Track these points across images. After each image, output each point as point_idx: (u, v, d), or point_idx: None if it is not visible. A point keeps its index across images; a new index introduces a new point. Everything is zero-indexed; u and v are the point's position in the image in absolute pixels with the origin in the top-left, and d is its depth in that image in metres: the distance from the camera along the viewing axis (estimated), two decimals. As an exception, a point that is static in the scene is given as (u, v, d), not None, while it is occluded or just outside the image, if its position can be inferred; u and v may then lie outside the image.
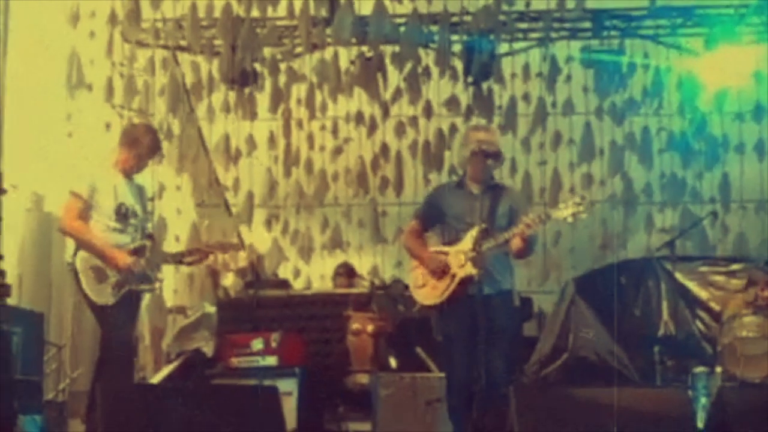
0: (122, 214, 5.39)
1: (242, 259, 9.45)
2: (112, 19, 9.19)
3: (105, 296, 5.26)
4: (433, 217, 5.33)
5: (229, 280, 9.16)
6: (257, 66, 9.37)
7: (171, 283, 9.59)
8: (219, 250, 5.75)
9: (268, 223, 9.74)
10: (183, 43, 9.53)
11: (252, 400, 4.12)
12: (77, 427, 6.91)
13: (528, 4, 8.89)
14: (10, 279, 7.26)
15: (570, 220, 4.96)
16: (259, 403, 4.14)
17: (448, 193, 5.34)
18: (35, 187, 9.01)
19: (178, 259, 5.70)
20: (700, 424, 4.43)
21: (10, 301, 7.16)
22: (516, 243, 5.01)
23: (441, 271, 5.10)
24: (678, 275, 6.55)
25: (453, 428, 5.03)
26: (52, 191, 8.72)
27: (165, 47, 9.57)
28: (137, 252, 5.36)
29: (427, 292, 5.20)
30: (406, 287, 7.54)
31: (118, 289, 5.26)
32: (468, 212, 5.06)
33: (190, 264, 5.78)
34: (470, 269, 4.95)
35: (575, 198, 5.01)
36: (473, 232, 5.03)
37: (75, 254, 5.38)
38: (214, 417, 4.00)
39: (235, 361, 6.46)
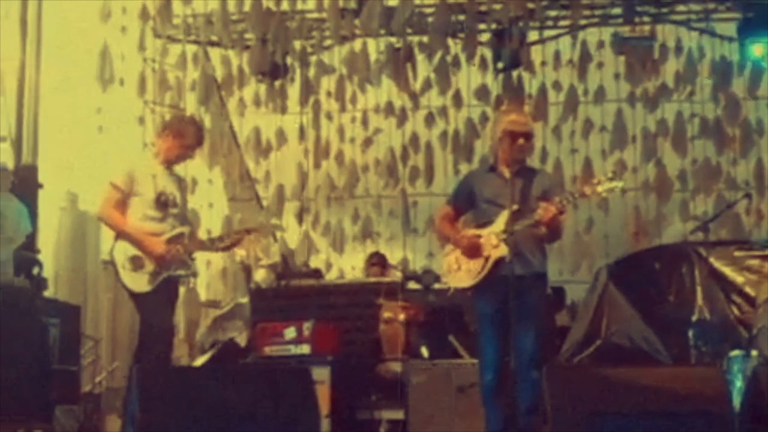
0: (162, 203, 5.42)
1: (274, 253, 9.50)
2: (144, 14, 9.28)
3: (142, 284, 5.30)
4: (466, 202, 5.31)
5: (260, 274, 9.19)
6: (287, 59, 9.41)
7: (204, 277, 9.68)
8: (253, 233, 5.72)
9: (299, 216, 9.77)
10: (214, 37, 9.60)
11: (286, 383, 4.13)
12: (114, 422, 6.97)
13: (557, -9, 8.85)
14: (46, 275, 7.40)
15: (604, 195, 4.92)
16: (294, 385, 4.15)
17: (480, 178, 5.32)
18: (70, 185, 9.13)
19: (212, 244, 5.71)
20: (736, 408, 4.37)
21: (47, 294, 7.29)
22: (541, 229, 4.98)
23: (474, 251, 5.07)
24: (712, 260, 6.43)
25: (485, 409, 5.02)
26: (87, 190, 8.83)
27: (196, 42, 9.64)
28: (173, 240, 5.38)
29: (462, 276, 5.18)
30: (437, 278, 7.53)
31: (155, 277, 5.30)
32: (500, 195, 5.02)
33: (224, 249, 5.79)
34: (503, 250, 4.92)
35: (606, 174, 4.97)
36: (505, 214, 4.99)
37: (114, 245, 5.42)
38: (249, 399, 4.01)
39: (268, 350, 6.48)
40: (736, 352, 5.50)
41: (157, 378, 4.07)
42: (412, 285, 7.54)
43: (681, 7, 8.94)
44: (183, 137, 5.53)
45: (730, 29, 8.85)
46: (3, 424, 4.80)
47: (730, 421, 3.80)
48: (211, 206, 9.65)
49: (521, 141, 5.04)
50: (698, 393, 3.85)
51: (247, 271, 9.61)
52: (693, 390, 3.88)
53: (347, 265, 9.62)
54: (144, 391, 3.95)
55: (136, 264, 5.30)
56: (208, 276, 9.94)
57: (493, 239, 5.04)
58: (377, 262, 8.11)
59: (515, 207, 4.98)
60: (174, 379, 4.19)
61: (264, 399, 4.10)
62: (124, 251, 5.33)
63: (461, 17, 9.08)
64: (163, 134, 5.59)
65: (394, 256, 9.33)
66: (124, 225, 5.34)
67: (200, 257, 7.71)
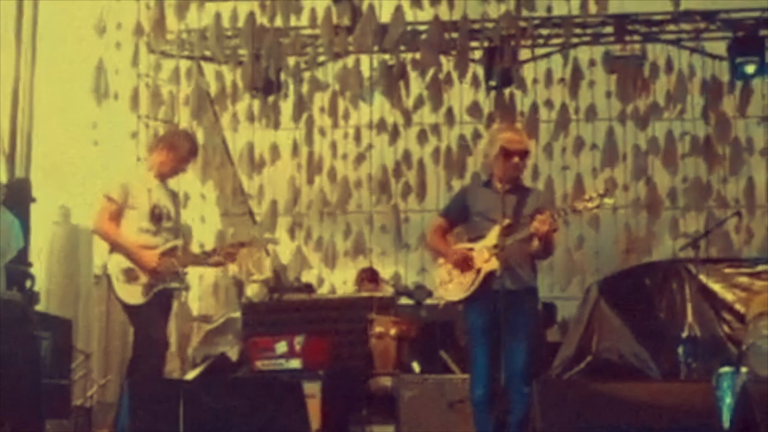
0: (156, 216, 5.41)
1: (266, 269, 9.51)
2: (138, 30, 9.32)
3: (136, 296, 5.29)
4: (459, 215, 5.35)
5: (252, 289, 9.19)
6: (281, 75, 9.45)
7: (196, 291, 9.67)
8: (246, 247, 5.72)
9: (292, 231, 9.80)
10: (207, 53, 9.64)
11: (278, 396, 4.14)
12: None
13: (549, 10, 8.91)
14: (38, 289, 7.39)
15: (596, 211, 4.95)
16: (285, 398, 4.16)
17: (474, 192, 5.35)
18: (63, 199, 9.12)
19: (206, 258, 5.70)
20: (726, 424, 4.40)
21: (38, 308, 7.27)
22: (534, 244, 5.01)
23: (465, 264, 5.10)
24: (702, 277, 6.50)
25: (476, 423, 5.03)
26: (80, 204, 8.83)
27: (190, 57, 9.68)
28: (167, 253, 5.38)
29: (453, 288, 5.20)
30: (429, 293, 7.55)
31: (149, 289, 5.29)
32: (493, 209, 5.04)
33: (217, 264, 5.78)
34: (494, 264, 4.94)
35: (598, 190, 5.01)
36: (497, 228, 5.02)
37: (109, 257, 5.42)
38: (241, 412, 4.02)
39: (259, 364, 6.47)
40: (726, 369, 5.53)
41: (148, 390, 4.08)
42: (404, 300, 7.57)
43: (671, 27, 9.03)
44: (176, 151, 5.54)
45: (720, 48, 8.95)
46: (-7, 437, 4.79)
47: (719, 434, 3.82)
48: (203, 220, 9.67)
49: (516, 159, 5.08)
50: (688, 408, 3.87)
51: (239, 286, 9.63)
52: (683, 405, 3.90)
53: (339, 281, 9.64)
54: (135, 403, 3.95)
55: (129, 276, 5.29)
56: (200, 290, 9.94)
57: (484, 253, 5.07)
58: (369, 277, 8.12)
59: (507, 221, 5.02)
60: (165, 391, 4.19)
61: (256, 412, 4.11)
62: (118, 263, 5.33)
63: (454, 35, 9.15)
64: (157, 148, 5.60)
65: (385, 271, 9.35)
66: (118, 237, 5.35)
67: (193, 271, 7.71)
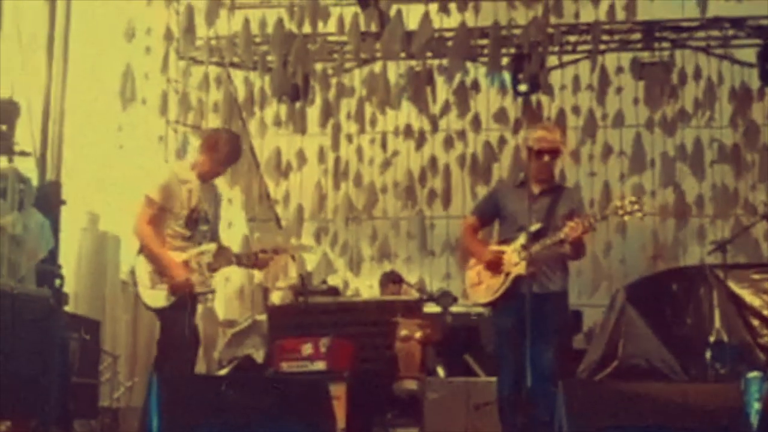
0: (193, 221, 5.38)
1: (292, 275, 9.54)
2: (168, 35, 9.41)
3: (159, 300, 5.30)
4: (491, 214, 5.36)
5: (278, 296, 9.24)
6: (308, 81, 9.51)
7: (222, 295, 9.72)
8: (279, 254, 5.71)
9: (317, 236, 9.84)
10: (236, 59, 9.72)
11: (305, 394, 4.16)
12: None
13: (577, 16, 8.91)
14: (67, 291, 7.46)
15: (626, 218, 4.96)
16: (312, 397, 4.18)
17: (508, 192, 5.36)
18: (91, 205, 9.20)
19: (240, 261, 5.68)
20: (754, 425, 4.36)
21: (67, 309, 7.34)
22: (566, 247, 5.02)
23: (496, 267, 5.12)
24: (730, 283, 6.44)
25: (502, 424, 5.03)
26: (107, 210, 8.91)
27: (219, 64, 9.76)
28: (196, 258, 5.35)
29: (482, 291, 5.22)
30: (455, 299, 7.54)
31: (173, 293, 5.29)
32: (526, 211, 5.04)
33: (253, 266, 5.77)
34: (523, 268, 4.95)
35: (630, 198, 5.00)
36: (529, 232, 5.02)
37: (137, 257, 5.43)
38: (268, 409, 4.04)
39: (285, 366, 6.49)
40: (754, 374, 5.48)
41: (177, 385, 4.10)
42: (429, 308, 7.56)
43: (700, 33, 8.99)
44: (216, 153, 5.44)
45: (749, 55, 8.89)
46: (22, 432, 4.84)
47: (747, 435, 3.79)
48: (230, 225, 9.69)
49: (546, 158, 5.08)
50: (716, 409, 3.84)
51: (264, 292, 9.67)
52: (711, 406, 3.88)
53: (364, 286, 9.66)
54: (164, 398, 3.98)
55: (155, 279, 5.30)
56: (225, 295, 9.99)
57: (514, 257, 5.08)
58: (392, 280, 8.14)
59: (538, 225, 5.02)
60: (194, 387, 4.21)
61: (284, 409, 4.12)
62: (144, 266, 5.34)
63: (481, 41, 9.16)
64: (200, 148, 5.58)
65: (410, 277, 9.37)
66: (153, 244, 5.30)
67: (218, 275, 7.76)
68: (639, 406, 3.94)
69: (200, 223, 5.41)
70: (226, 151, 5.48)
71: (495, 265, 5.13)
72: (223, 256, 5.52)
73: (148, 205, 5.34)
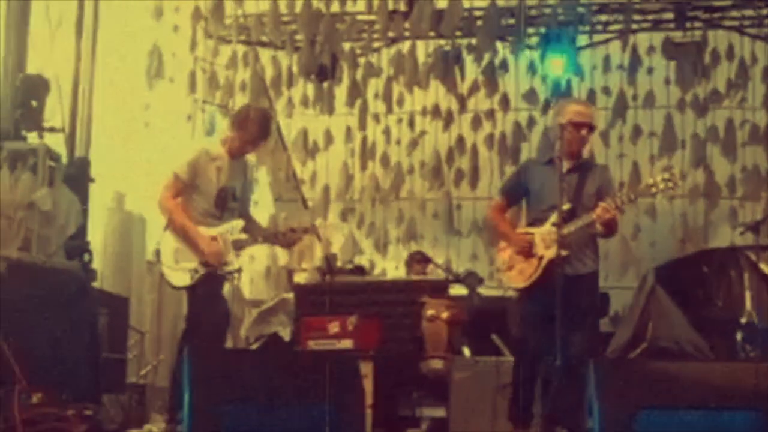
0: (222, 199, 5.39)
1: (317, 257, 9.54)
2: (196, 14, 9.40)
3: (183, 279, 5.31)
4: (518, 194, 5.31)
5: (302, 278, 9.24)
6: (336, 60, 9.47)
7: (247, 273, 9.74)
8: (308, 233, 5.71)
9: (344, 217, 9.82)
10: (264, 38, 9.69)
11: (335, 369, 4.16)
12: (157, 420, 7.01)
13: (609, -5, 8.81)
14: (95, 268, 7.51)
15: (659, 196, 4.90)
16: (342, 372, 4.18)
17: (535, 169, 5.29)
18: (118, 184, 9.25)
19: (268, 237, 5.68)
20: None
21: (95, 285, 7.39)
22: (597, 227, 4.98)
23: (527, 251, 5.07)
24: (762, 265, 6.38)
25: (509, 412, 5.05)
26: (134, 190, 8.94)
27: (247, 43, 9.74)
28: (222, 236, 5.36)
29: (515, 276, 5.18)
30: (481, 280, 7.52)
31: (197, 272, 5.30)
32: (554, 189, 4.99)
33: (281, 245, 5.78)
34: (556, 251, 4.90)
35: (663, 174, 4.93)
36: (559, 213, 4.97)
37: (162, 235, 5.44)
38: (299, 383, 4.05)
39: (312, 344, 6.51)
40: (785, 356, 5.43)
41: (209, 360, 4.12)
42: (456, 290, 7.54)
43: (734, 13, 8.84)
44: (244, 130, 5.45)
45: (784, 35, 8.76)
46: (54, 405, 4.89)
47: (781, 416, 3.75)
48: (256, 204, 9.67)
49: (584, 132, 5.03)
50: (749, 388, 3.80)
51: (289, 273, 9.69)
52: (744, 385, 3.83)
53: (390, 266, 9.64)
54: (196, 372, 3.99)
55: (179, 257, 5.30)
56: (251, 274, 10.00)
57: (546, 239, 5.03)
58: (418, 259, 8.12)
59: (568, 206, 4.96)
60: (226, 361, 4.23)
61: (312, 385, 4.12)
62: (169, 243, 5.34)
63: (510, 21, 9.07)
64: (231, 124, 5.60)
65: (437, 258, 9.33)
66: (179, 216, 5.30)
67: (244, 253, 7.77)
68: (672, 386, 3.91)
69: (229, 201, 5.42)
70: (255, 128, 5.48)
71: (526, 250, 5.09)
72: (250, 233, 5.53)
73: (174, 180, 5.35)
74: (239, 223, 5.48)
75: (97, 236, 8.37)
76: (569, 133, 5.01)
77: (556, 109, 5.40)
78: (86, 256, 6.63)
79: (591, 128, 5.13)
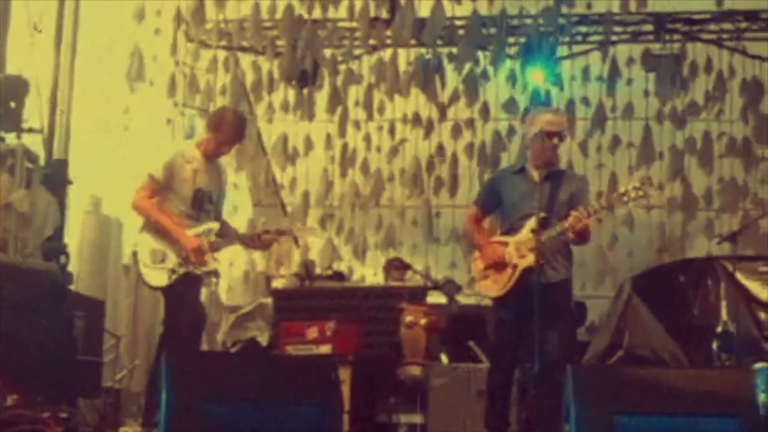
0: (198, 201, 5.39)
1: (294, 263, 9.53)
2: (177, 18, 9.38)
3: (160, 279, 5.29)
4: (492, 203, 5.33)
5: (280, 283, 9.22)
6: (317, 66, 9.47)
7: (225, 279, 9.71)
8: (284, 235, 5.72)
9: (323, 223, 9.81)
10: (245, 43, 9.68)
11: (313, 372, 4.15)
12: (131, 425, 6.97)
13: (589, 7, 8.86)
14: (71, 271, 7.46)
15: (631, 205, 4.94)
16: (320, 375, 4.17)
17: (507, 179, 5.33)
18: (94, 188, 9.19)
19: (243, 239, 5.69)
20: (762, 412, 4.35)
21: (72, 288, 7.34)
22: (570, 234, 5.01)
23: (499, 263, 5.11)
24: (738, 275, 6.44)
25: (486, 417, 5.07)
26: (110, 194, 8.89)
27: (228, 48, 9.72)
28: (201, 236, 5.36)
29: (489, 285, 5.20)
30: (459, 288, 7.53)
31: (175, 272, 5.28)
32: (527, 199, 5.04)
33: (256, 247, 5.78)
34: (530, 259, 4.94)
35: (634, 183, 4.97)
36: (532, 222, 5.00)
37: (139, 236, 5.43)
38: (278, 388, 4.03)
39: (290, 349, 6.48)
40: (760, 365, 5.47)
41: (186, 363, 4.09)
42: (434, 298, 7.54)
43: (712, 26, 8.94)
44: (220, 132, 5.48)
45: (761, 49, 8.85)
46: (30, 407, 4.84)
47: (758, 422, 3.77)
48: (236, 210, 9.68)
49: (555, 140, 5.06)
50: (725, 395, 3.83)
51: (267, 279, 9.66)
52: (720, 392, 3.86)
53: (369, 273, 9.64)
54: (173, 375, 3.97)
55: (156, 258, 5.28)
56: (229, 280, 9.97)
57: (521, 248, 5.05)
58: (397, 266, 8.12)
59: (542, 215, 4.99)
60: (204, 364, 4.21)
61: (291, 389, 4.11)
62: (147, 244, 5.32)
63: (491, 30, 9.12)
64: (207, 127, 5.61)
65: (416, 265, 9.34)
66: (157, 214, 5.31)
67: (222, 260, 7.74)
68: (650, 393, 3.93)
69: (205, 203, 5.42)
70: (230, 129, 5.51)
71: (500, 262, 5.12)
72: (226, 236, 5.54)
73: (150, 181, 5.35)
74: (215, 225, 5.49)
75: (73, 239, 8.32)
76: (541, 142, 5.05)
77: (528, 118, 5.44)
78: (63, 258, 6.59)
79: (562, 137, 5.17)
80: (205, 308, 5.62)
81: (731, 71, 8.88)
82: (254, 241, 5.65)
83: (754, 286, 6.43)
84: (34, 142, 7.45)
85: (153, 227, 5.33)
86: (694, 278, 6.58)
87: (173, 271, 5.28)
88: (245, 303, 9.53)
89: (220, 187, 5.60)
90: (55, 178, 7.49)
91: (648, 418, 3.89)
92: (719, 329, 6.01)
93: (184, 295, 5.35)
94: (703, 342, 6.10)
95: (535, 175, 5.08)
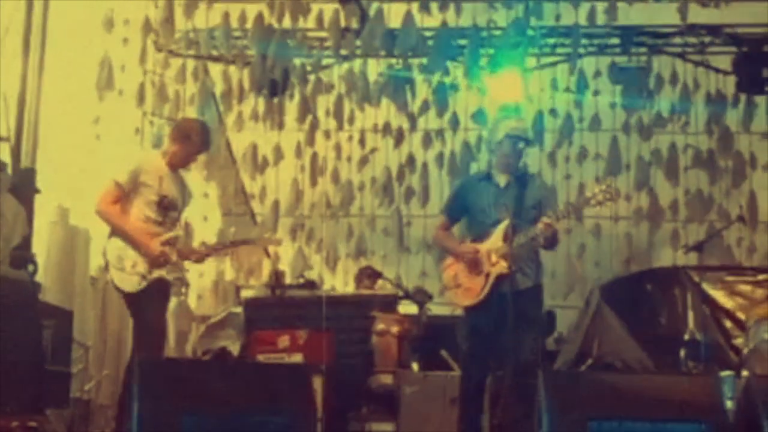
0: (164, 207, 5.43)
1: (264, 273, 9.51)
2: (146, 27, 9.34)
3: (132, 284, 5.30)
4: (459, 211, 5.38)
5: (250, 293, 9.20)
6: (287, 76, 9.47)
7: (195, 290, 9.66)
8: (247, 244, 5.77)
9: (294, 232, 9.81)
10: (215, 52, 9.66)
11: (286, 379, 4.16)
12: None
13: (558, 19, 8.96)
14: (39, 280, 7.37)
15: (597, 208, 5.03)
16: (293, 382, 4.18)
17: (473, 186, 5.38)
18: (62, 198, 9.11)
19: (204, 253, 5.71)
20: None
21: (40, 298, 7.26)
22: (540, 240, 5.07)
23: (474, 267, 5.13)
24: (704, 285, 6.55)
25: (464, 419, 5.10)
26: (78, 204, 8.81)
27: (197, 57, 9.70)
28: (169, 242, 5.40)
29: (462, 293, 5.23)
30: (430, 296, 7.56)
31: (146, 277, 5.29)
32: (494, 206, 5.09)
33: (216, 253, 5.82)
34: (503, 266, 4.98)
35: (600, 186, 5.06)
36: (502, 228, 5.05)
37: (107, 242, 5.43)
38: (249, 393, 4.03)
39: (261, 358, 6.50)
40: (727, 373, 5.57)
41: (159, 371, 4.08)
42: (405, 308, 7.57)
43: (677, 39, 9.09)
44: (189, 143, 5.55)
45: (725, 62, 9.01)
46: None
47: (726, 428, 3.84)
48: (205, 219, 9.66)
49: (521, 145, 5.13)
50: (695, 401, 3.89)
51: (237, 289, 9.63)
52: (689, 398, 3.92)
53: (340, 282, 9.64)
54: (146, 384, 3.95)
55: (126, 263, 5.29)
56: (199, 290, 9.93)
57: (492, 256, 5.09)
58: (368, 275, 8.15)
59: (511, 221, 5.04)
60: (173, 371, 4.19)
61: (265, 396, 4.11)
62: (116, 249, 5.33)
63: (461, 41, 9.20)
64: (171, 137, 5.64)
65: (387, 275, 9.36)
66: (120, 220, 5.35)
67: (192, 270, 7.71)
68: (621, 398, 3.98)
69: (170, 210, 5.46)
70: (198, 139, 5.59)
71: (474, 266, 5.15)
72: (190, 248, 5.61)
73: (114, 187, 5.37)
74: (179, 232, 5.54)
75: (40, 249, 8.24)
76: (506, 148, 5.12)
77: (492, 125, 5.51)
78: (31, 267, 6.53)
79: (527, 142, 5.24)
80: (168, 323, 5.63)
81: (696, 84, 9.03)
82: (212, 252, 5.71)
83: (720, 296, 6.54)
84: (1, 151, 7.37)
85: (117, 232, 5.36)
86: (661, 287, 6.69)
87: (144, 276, 5.29)
88: (215, 312, 9.50)
89: (183, 199, 5.63)
90: (22, 187, 7.41)
91: (620, 424, 3.94)
92: (686, 337, 6.10)
93: (154, 301, 5.36)
94: (670, 350, 6.18)
95: (501, 180, 5.15)
